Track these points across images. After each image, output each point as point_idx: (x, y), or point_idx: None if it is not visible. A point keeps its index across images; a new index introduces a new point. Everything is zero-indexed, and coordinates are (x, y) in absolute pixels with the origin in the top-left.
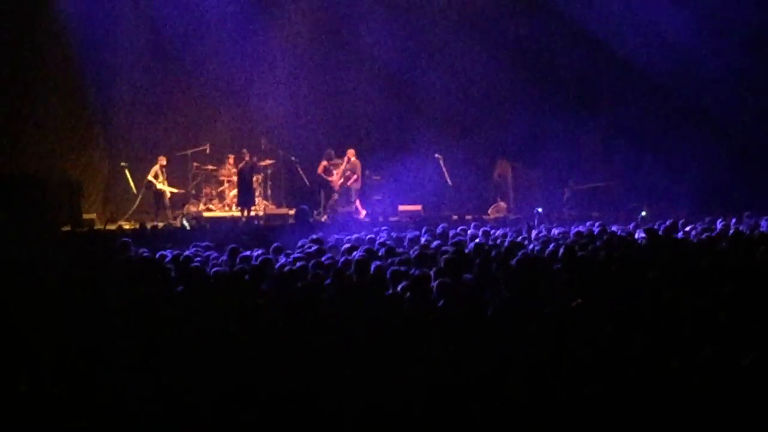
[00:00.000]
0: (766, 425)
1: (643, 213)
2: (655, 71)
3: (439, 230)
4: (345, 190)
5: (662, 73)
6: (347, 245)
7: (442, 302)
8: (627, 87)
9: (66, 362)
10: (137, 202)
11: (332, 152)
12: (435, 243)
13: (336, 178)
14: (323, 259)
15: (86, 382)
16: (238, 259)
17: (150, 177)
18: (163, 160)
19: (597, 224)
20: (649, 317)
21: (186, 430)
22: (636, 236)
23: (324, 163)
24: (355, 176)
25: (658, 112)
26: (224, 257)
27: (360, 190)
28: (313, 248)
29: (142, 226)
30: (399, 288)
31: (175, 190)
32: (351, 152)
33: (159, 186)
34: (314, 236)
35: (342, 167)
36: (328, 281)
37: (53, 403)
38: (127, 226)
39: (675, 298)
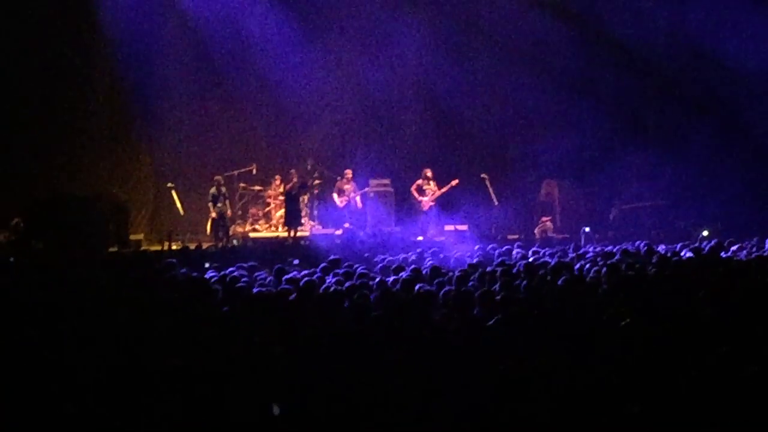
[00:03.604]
0: None
1: (705, 232)
2: (701, 91)
3: (485, 250)
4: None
5: (706, 92)
6: (393, 265)
7: (491, 321)
8: (672, 106)
9: (112, 382)
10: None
11: (428, 172)
12: (478, 259)
13: (428, 199)
14: (370, 278)
15: (132, 402)
16: (283, 280)
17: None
18: (220, 180)
19: (643, 243)
20: (699, 337)
21: None
22: (683, 256)
23: (418, 182)
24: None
25: (705, 133)
26: (271, 277)
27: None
28: (359, 268)
29: (186, 246)
30: (445, 308)
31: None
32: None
33: (219, 207)
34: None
35: (432, 188)
36: (373, 297)
37: (98, 423)
38: (173, 247)
39: (724, 317)
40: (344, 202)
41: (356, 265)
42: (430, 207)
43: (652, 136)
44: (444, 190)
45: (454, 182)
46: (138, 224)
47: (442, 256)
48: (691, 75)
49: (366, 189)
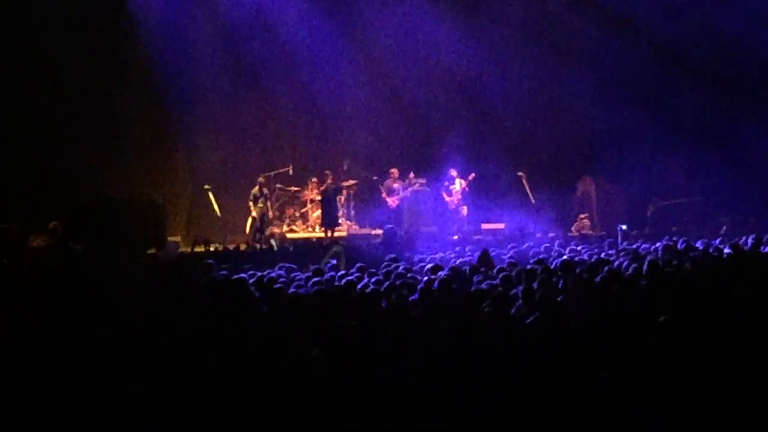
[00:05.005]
0: None
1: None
2: (740, 88)
3: (522, 248)
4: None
5: (746, 89)
6: (431, 264)
7: (530, 319)
8: (710, 103)
9: (151, 385)
10: (249, 224)
11: (453, 172)
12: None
13: (454, 198)
14: (408, 278)
15: (170, 403)
16: (321, 280)
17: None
18: (263, 180)
19: (681, 240)
20: (738, 333)
21: None
22: (723, 251)
23: (445, 183)
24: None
25: (744, 130)
26: (309, 276)
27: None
28: (398, 268)
29: (225, 247)
30: (484, 306)
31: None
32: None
33: (260, 206)
34: (394, 256)
35: (456, 187)
36: (413, 298)
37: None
38: (211, 248)
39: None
40: (395, 202)
41: (394, 265)
42: (457, 206)
43: (689, 133)
44: (464, 187)
45: (471, 176)
46: (175, 226)
47: (477, 254)
48: (730, 72)
49: (409, 187)
